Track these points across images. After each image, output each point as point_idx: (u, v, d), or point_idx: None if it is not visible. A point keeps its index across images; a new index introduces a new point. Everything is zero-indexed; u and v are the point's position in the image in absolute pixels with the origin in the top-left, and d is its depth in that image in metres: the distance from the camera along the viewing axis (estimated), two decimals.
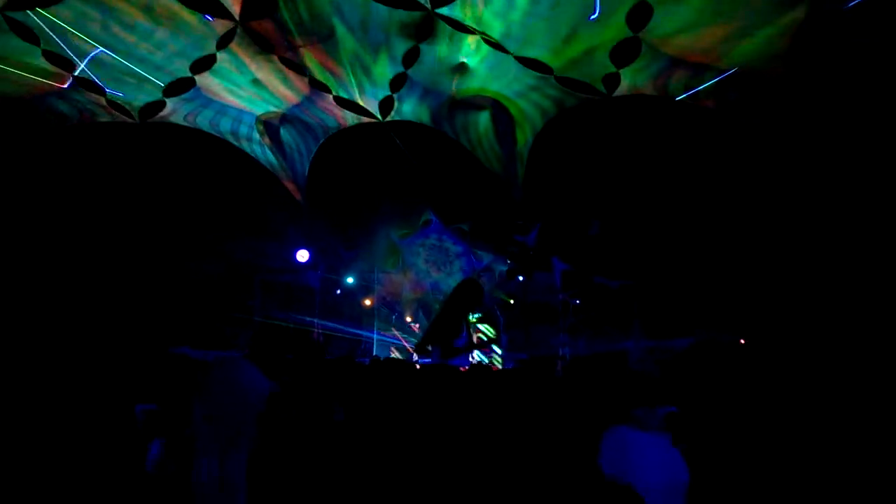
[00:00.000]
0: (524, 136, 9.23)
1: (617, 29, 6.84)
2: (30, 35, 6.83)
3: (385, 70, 8.37)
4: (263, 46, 7.80)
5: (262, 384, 2.86)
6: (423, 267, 14.36)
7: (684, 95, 7.49)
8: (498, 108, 9.01)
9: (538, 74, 7.88)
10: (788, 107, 7.23)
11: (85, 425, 3.89)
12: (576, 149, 9.49)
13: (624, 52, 7.14)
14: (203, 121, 9.21)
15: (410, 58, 8.05)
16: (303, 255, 11.66)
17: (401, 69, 8.26)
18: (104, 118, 8.65)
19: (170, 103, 8.61)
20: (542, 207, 11.25)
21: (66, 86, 7.88)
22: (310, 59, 8.11)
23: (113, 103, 8.35)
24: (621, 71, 7.48)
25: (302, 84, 8.68)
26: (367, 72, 8.35)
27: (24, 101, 7.93)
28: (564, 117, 8.73)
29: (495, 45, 7.50)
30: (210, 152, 9.65)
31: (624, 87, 7.73)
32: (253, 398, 2.74)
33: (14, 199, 8.73)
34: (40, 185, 8.72)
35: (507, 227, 12.58)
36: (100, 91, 8.10)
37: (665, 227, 10.43)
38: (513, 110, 8.95)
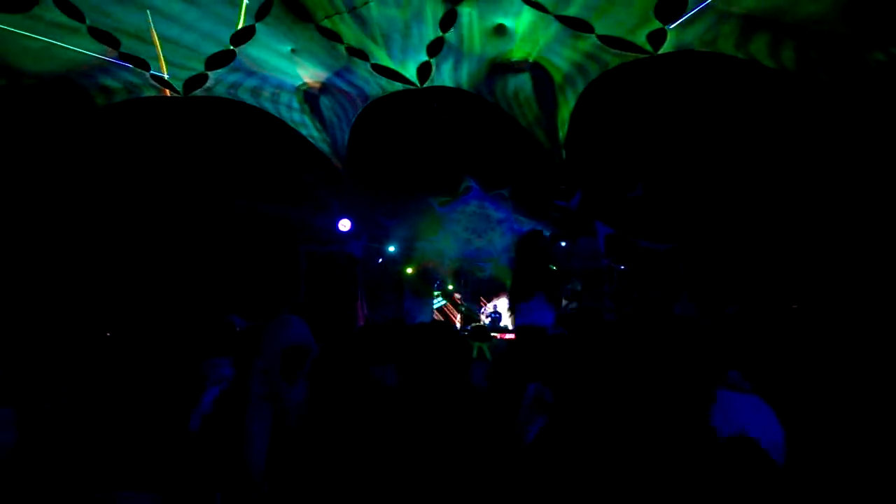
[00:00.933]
0: (565, 98, 9.03)
1: None
2: (75, 12, 6.95)
3: (421, 34, 8.27)
4: (301, 15, 7.78)
5: (310, 341, 2.95)
6: (463, 234, 14.34)
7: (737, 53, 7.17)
8: (538, 71, 8.83)
9: (579, 33, 7.67)
10: (851, 69, 6.84)
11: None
12: (619, 110, 9.23)
13: (670, 7, 6.86)
14: (244, 92, 9.29)
15: (447, 21, 7.93)
16: (345, 225, 11.77)
17: (438, 33, 8.15)
18: (149, 93, 8.81)
19: (212, 76, 8.70)
20: (585, 171, 11.04)
21: (111, 61, 8.03)
22: (346, 26, 8.07)
23: (157, 77, 8.49)
24: (667, 27, 7.21)
25: (340, 52, 8.65)
26: (403, 37, 8.27)
27: (70, 77, 8.12)
28: (607, 77, 8.48)
29: (535, 5, 7.31)
30: (252, 124, 9.76)
31: (670, 43, 7.45)
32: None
33: (67, 177, 9.03)
34: (89, 160, 8.97)
35: (549, 191, 12.42)
36: (145, 66, 8.23)
37: (713, 188, 10.12)
38: (553, 72, 8.75)
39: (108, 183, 9.41)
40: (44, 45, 7.52)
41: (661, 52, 7.58)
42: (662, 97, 8.73)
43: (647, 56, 7.69)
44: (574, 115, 9.33)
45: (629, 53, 7.78)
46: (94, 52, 7.76)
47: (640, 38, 7.50)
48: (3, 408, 3.45)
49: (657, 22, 7.16)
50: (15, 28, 7.05)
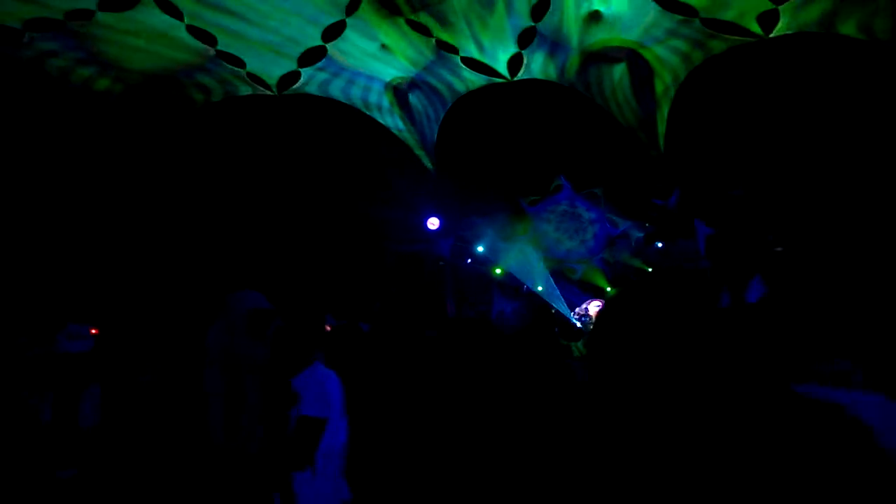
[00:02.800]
0: (665, 89, 8.50)
1: None
2: (173, 10, 7.24)
3: (513, 25, 8.03)
4: (391, 9, 7.75)
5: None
6: (554, 234, 13.95)
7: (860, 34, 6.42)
8: (635, 59, 8.35)
9: (681, 17, 7.17)
10: None
11: None
12: (724, 100, 8.58)
13: None
14: (335, 90, 9.40)
15: (540, 10, 7.65)
16: (433, 223, 11.72)
17: (529, 23, 7.88)
18: (245, 91, 9.09)
19: (304, 73, 8.86)
20: (685, 167, 10.39)
21: (209, 59, 8.34)
22: (435, 20, 7.96)
23: (252, 75, 8.74)
24: (780, 7, 6.58)
25: (429, 47, 8.56)
26: (493, 29, 8.06)
27: (170, 76, 8.49)
28: (712, 65, 7.89)
29: None
30: (342, 121, 9.87)
31: (784, 25, 6.80)
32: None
33: (173, 175, 9.47)
34: (191, 159, 9.37)
35: (645, 189, 11.83)
36: (240, 63, 8.49)
37: (823, 187, 9.22)
38: (652, 60, 8.25)
39: (210, 180, 9.81)
40: (146, 43, 7.91)
41: (772, 35, 6.95)
42: (772, 86, 8.02)
43: (756, 40, 7.08)
44: (674, 106, 8.77)
45: (737, 38, 7.19)
46: (193, 50, 8.08)
47: (750, 21, 6.90)
48: (93, 385, 3.62)
49: (768, 2, 6.56)
50: (119, 27, 7.45)
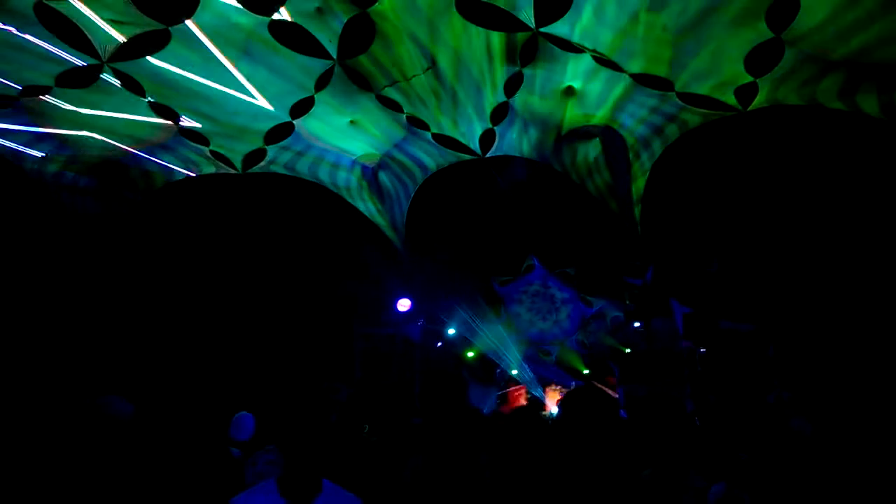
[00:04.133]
0: (640, 164, 8.39)
1: (753, 31, 5.98)
2: (136, 86, 6.86)
3: (484, 101, 7.89)
4: (361, 85, 7.53)
5: None
6: (526, 315, 13.52)
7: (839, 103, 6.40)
8: (609, 135, 8.26)
9: (657, 92, 7.11)
10: None
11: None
12: (700, 175, 8.49)
13: (763, 57, 6.23)
14: (302, 167, 9.05)
15: (513, 85, 7.53)
16: (404, 305, 11.18)
17: (502, 98, 7.75)
18: (208, 170, 8.66)
19: (270, 151, 8.50)
20: (661, 244, 10.21)
21: (171, 138, 7.93)
22: (406, 95, 7.78)
23: (216, 154, 8.34)
24: (758, 80, 6.56)
25: (399, 123, 8.35)
26: (466, 104, 7.91)
27: (131, 158, 8.04)
28: (688, 139, 7.82)
29: (608, 64, 6.83)
30: (309, 200, 9.47)
31: (761, 98, 6.78)
32: None
33: (130, 258, 8.81)
34: (150, 241, 8.77)
35: (620, 268, 11.60)
36: (204, 141, 8.10)
37: (808, 263, 9.09)
38: (626, 136, 8.17)
39: (172, 263, 9.18)
40: (105, 123, 7.49)
41: (751, 108, 6.91)
42: (749, 159, 7.97)
43: (734, 114, 7.03)
44: (650, 181, 8.64)
45: (713, 112, 7.14)
46: (154, 127, 7.68)
47: (727, 95, 6.87)
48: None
49: (747, 75, 6.54)
50: (79, 104, 7.02)
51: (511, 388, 13.52)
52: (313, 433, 2.03)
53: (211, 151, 8.31)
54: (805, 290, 9.08)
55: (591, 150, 8.54)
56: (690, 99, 7.03)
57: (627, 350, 12.95)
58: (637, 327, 12.33)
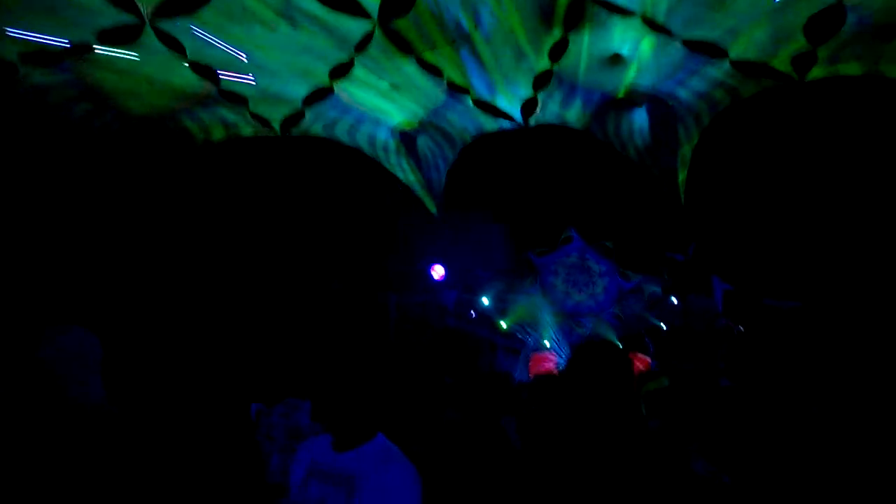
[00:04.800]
0: (688, 135, 8.10)
1: None
2: (177, 46, 6.87)
3: (528, 68, 7.69)
4: (403, 48, 7.40)
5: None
6: (562, 287, 13.37)
7: None
8: (657, 104, 7.98)
9: (709, 60, 6.81)
10: None
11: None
12: (750, 147, 8.15)
13: (823, 23, 5.89)
14: (341, 131, 9.00)
15: (558, 50, 7.31)
16: (438, 272, 11.14)
17: (547, 65, 7.54)
18: (247, 132, 8.68)
19: (309, 114, 8.47)
20: (705, 219, 9.90)
21: (211, 97, 7.95)
22: (448, 60, 7.62)
23: (255, 115, 8.34)
24: (818, 49, 6.22)
25: (440, 88, 8.21)
26: (509, 70, 7.72)
27: (171, 115, 8.09)
28: (738, 109, 7.50)
29: (658, 28, 6.55)
30: (348, 164, 9.44)
31: (821, 68, 6.43)
32: None
33: (167, 216, 8.94)
34: (187, 199, 8.86)
35: (661, 242, 11.32)
36: (243, 102, 8.10)
37: (854, 241, 8.70)
38: (675, 104, 7.88)
39: (208, 223, 9.28)
40: (147, 79, 7.53)
41: (808, 78, 6.57)
42: (803, 132, 7.59)
43: (788, 83, 6.70)
44: (696, 153, 8.36)
45: (768, 80, 6.82)
46: (195, 87, 7.70)
47: (783, 63, 6.54)
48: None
49: (804, 41, 6.20)
50: (120, 62, 7.06)
51: (536, 354, 13.44)
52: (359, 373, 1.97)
53: (250, 113, 8.31)
54: (855, 270, 8.72)
55: (637, 118, 8.27)
56: (745, 68, 6.71)
57: (663, 326, 12.72)
58: (675, 303, 12.08)
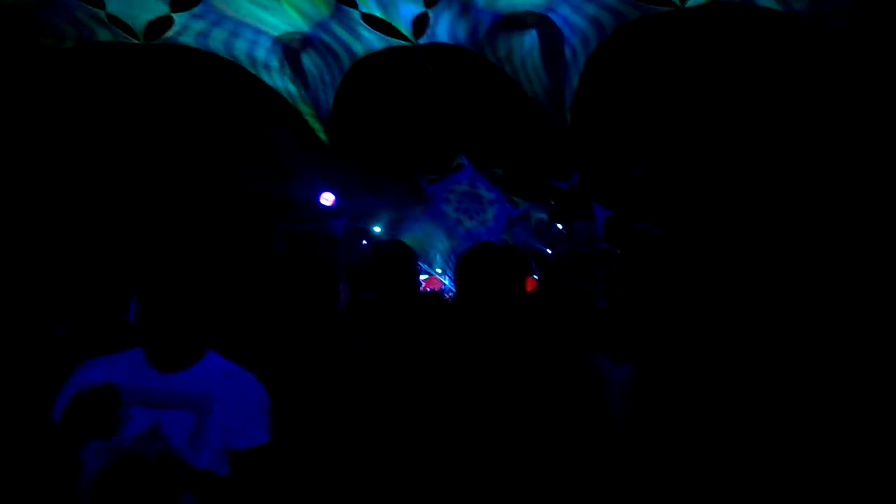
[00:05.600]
0: (576, 59, 8.16)
1: None
2: None
3: None
4: None
5: None
6: (453, 215, 13.47)
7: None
8: (546, 26, 7.93)
9: None
10: None
11: None
12: (632, 75, 8.35)
13: None
14: (215, 42, 8.25)
15: None
16: (327, 199, 10.81)
17: None
18: (105, 37, 7.74)
19: (177, 20, 7.67)
20: (589, 146, 10.19)
21: None
22: None
23: (114, 18, 7.42)
24: None
25: None
26: None
27: (14, 11, 7.03)
28: (623, 35, 7.61)
29: None
30: (224, 80, 8.73)
31: None
32: None
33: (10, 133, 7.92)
34: (38, 115, 7.87)
35: (547, 170, 11.58)
36: (99, 3, 7.18)
37: (730, 172, 9.28)
38: (563, 26, 7.86)
39: (63, 144, 8.33)
40: None
41: (688, 5, 6.74)
42: (685, 61, 7.86)
43: (672, 9, 6.84)
44: (582, 80, 8.46)
45: (651, 6, 6.93)
46: None
47: None
48: None
49: None
50: None
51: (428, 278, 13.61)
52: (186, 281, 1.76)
53: (108, 15, 7.39)
54: (726, 203, 9.35)
55: (527, 41, 8.21)
56: None
57: (549, 251, 13.23)
58: (559, 229, 12.55)
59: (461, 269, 2.16)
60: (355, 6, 7.63)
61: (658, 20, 7.08)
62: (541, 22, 7.90)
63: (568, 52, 8.03)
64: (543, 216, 12.82)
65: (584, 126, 9.22)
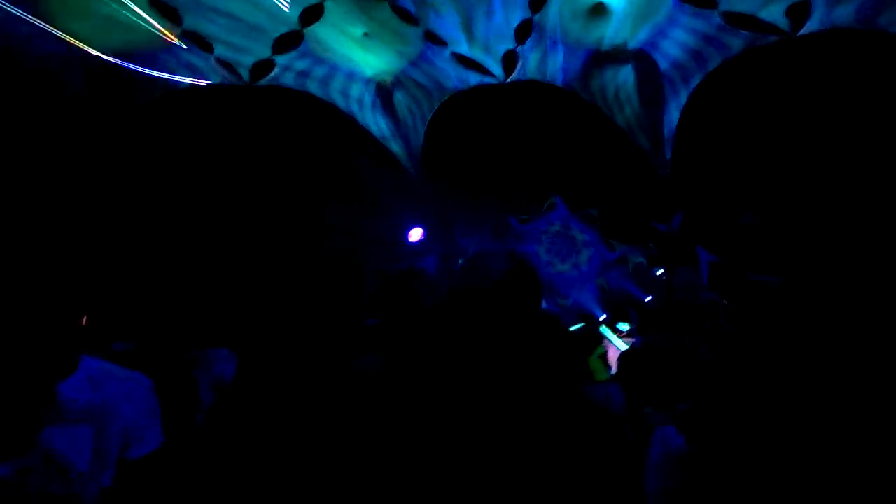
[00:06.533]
0: (676, 95, 7.70)
1: None
2: None
3: (508, 18, 7.25)
4: None
5: None
6: (545, 257, 13.06)
7: None
8: (643, 60, 7.55)
9: (698, 10, 6.39)
10: None
11: None
12: (741, 111, 7.72)
13: None
14: (313, 83, 8.55)
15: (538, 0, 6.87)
16: (415, 234, 10.76)
17: (527, 14, 7.09)
18: (214, 80, 8.22)
19: (279, 62, 8.02)
20: (692, 188, 9.54)
21: (174, 41, 7.49)
22: (424, 7, 7.18)
23: (222, 62, 7.87)
24: None
25: (416, 38, 7.77)
26: (487, 21, 7.28)
27: (131, 57, 7.62)
28: (729, 69, 7.09)
29: None
30: (320, 119, 8.99)
31: (816, 20, 6.01)
32: None
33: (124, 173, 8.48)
34: (147, 155, 8.41)
35: (647, 211, 10.95)
36: (208, 48, 7.64)
37: (853, 217, 8.31)
38: (662, 61, 7.45)
39: (169, 180, 8.84)
40: (107, 15, 7.04)
41: (800, 33, 6.15)
42: (798, 94, 7.15)
43: (783, 38, 6.28)
44: (684, 116, 7.95)
45: (760, 34, 6.40)
46: (156, 29, 7.23)
47: (776, 14, 6.12)
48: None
49: None
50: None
51: None
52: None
53: (216, 59, 7.85)
54: (848, 248, 8.37)
55: (622, 77, 7.86)
56: (735, 19, 6.29)
57: (648, 298, 12.45)
58: (659, 275, 11.78)
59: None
60: (445, 45, 7.64)
61: (767, 51, 6.51)
62: (637, 56, 7.54)
63: (667, 87, 7.59)
64: (642, 261, 12.13)
65: (686, 165, 8.65)
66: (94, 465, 1.33)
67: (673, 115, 7.92)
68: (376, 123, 9.24)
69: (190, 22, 7.37)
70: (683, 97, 7.66)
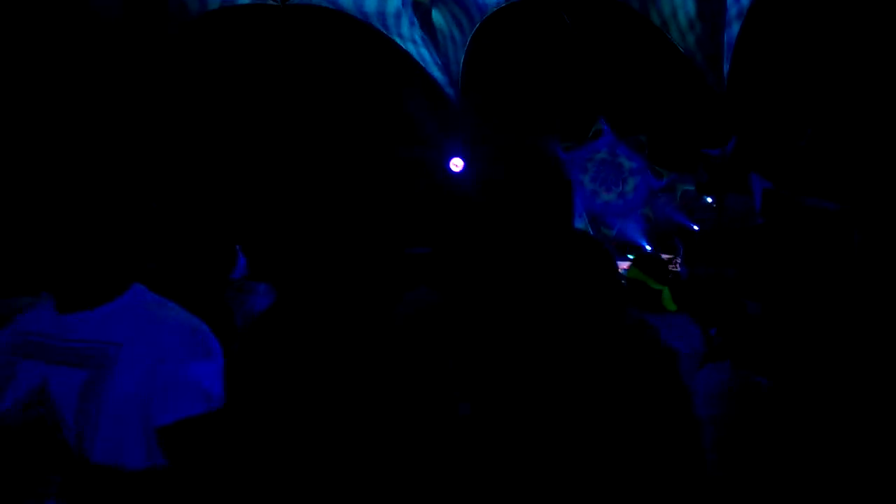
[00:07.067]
0: (739, 12, 7.06)
1: None
2: None
3: None
4: None
5: None
6: (590, 186, 12.66)
7: None
8: None
9: None
10: None
11: None
12: (803, 32, 7.06)
13: None
14: (347, 2, 8.15)
15: None
16: (456, 165, 10.49)
17: None
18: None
19: None
20: (748, 110, 8.94)
21: None
22: None
23: None
24: None
25: None
26: None
27: None
28: None
29: None
30: (354, 41, 8.64)
31: None
32: None
33: (159, 97, 8.37)
34: (182, 77, 8.26)
35: (699, 137, 10.38)
36: None
37: None
38: None
39: (203, 102, 8.70)
40: None
41: None
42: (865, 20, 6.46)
43: None
44: (742, 36, 7.32)
45: None
46: None
47: None
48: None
49: None
50: None
51: None
52: None
53: None
54: None
55: None
56: None
57: (696, 227, 12.02)
58: (709, 202, 11.31)
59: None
60: None
61: None
62: None
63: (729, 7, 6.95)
64: (691, 188, 11.63)
65: (744, 85, 8.08)
66: (78, 415, 1.15)
67: (733, 26, 7.29)
68: (415, 45, 8.81)
69: None
70: (745, 6, 7.02)
